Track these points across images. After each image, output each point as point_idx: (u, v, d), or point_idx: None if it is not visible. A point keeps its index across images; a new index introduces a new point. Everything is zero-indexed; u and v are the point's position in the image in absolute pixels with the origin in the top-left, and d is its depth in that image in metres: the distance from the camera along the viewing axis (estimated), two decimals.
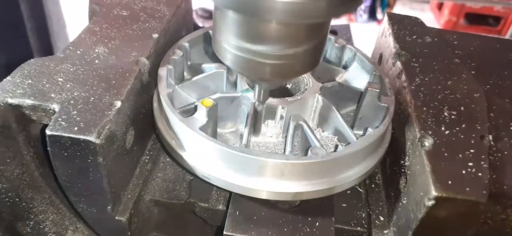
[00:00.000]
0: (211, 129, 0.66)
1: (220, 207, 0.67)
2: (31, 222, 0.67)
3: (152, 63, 0.70)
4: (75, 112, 0.56)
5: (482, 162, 0.56)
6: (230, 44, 0.51)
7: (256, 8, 0.42)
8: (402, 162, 0.64)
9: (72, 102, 0.57)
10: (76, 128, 0.53)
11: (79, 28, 0.75)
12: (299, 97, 0.69)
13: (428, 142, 0.58)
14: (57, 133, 0.53)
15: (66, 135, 0.52)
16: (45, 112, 0.58)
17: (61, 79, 0.61)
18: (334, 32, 1.08)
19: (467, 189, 0.52)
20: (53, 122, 0.54)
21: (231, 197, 0.65)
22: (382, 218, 0.67)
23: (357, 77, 0.81)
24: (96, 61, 0.66)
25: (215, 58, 0.82)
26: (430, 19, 3.97)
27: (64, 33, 1.73)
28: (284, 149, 0.67)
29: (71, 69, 0.64)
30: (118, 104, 0.58)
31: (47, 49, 1.63)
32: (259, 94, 0.62)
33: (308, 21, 0.47)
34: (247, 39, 0.49)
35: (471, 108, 0.65)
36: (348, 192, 0.70)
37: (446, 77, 0.72)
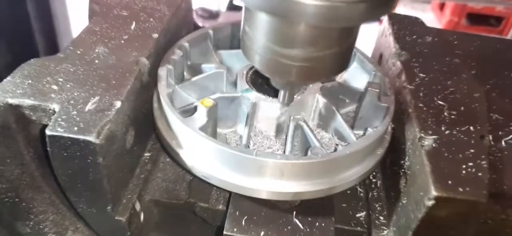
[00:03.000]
0: (211, 129, 0.66)
1: (220, 207, 0.66)
2: (31, 222, 0.67)
3: (152, 63, 0.70)
4: (75, 112, 0.56)
5: (482, 162, 0.56)
6: (259, 45, 0.51)
7: (288, 10, 0.42)
8: (402, 162, 0.64)
9: (72, 102, 0.57)
10: (76, 128, 0.53)
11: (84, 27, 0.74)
12: (299, 97, 0.69)
13: (428, 142, 0.58)
14: (57, 133, 0.52)
15: (66, 135, 0.52)
16: (45, 112, 0.58)
17: (61, 79, 0.61)
18: None
19: (467, 189, 0.52)
20: (53, 122, 0.54)
21: (231, 197, 0.65)
22: (382, 218, 0.67)
23: (357, 77, 0.81)
24: (96, 61, 0.66)
25: (215, 58, 0.83)
26: (432, 19, 3.95)
27: (70, 33, 1.73)
28: (284, 149, 0.67)
29: (71, 69, 0.63)
30: (118, 104, 0.58)
31: (54, 49, 1.63)
32: (284, 96, 0.62)
33: (340, 25, 0.47)
34: (277, 41, 0.49)
35: (471, 108, 0.65)
36: (348, 192, 0.70)
37: (446, 77, 0.72)
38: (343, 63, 0.55)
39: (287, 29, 0.48)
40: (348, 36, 0.52)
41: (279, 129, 0.71)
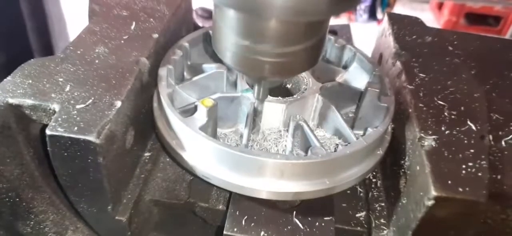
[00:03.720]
0: (211, 129, 0.66)
1: (220, 207, 0.66)
2: (31, 222, 0.67)
3: (152, 63, 0.70)
4: (75, 112, 0.56)
5: (482, 162, 0.55)
6: (229, 42, 0.51)
7: (255, 5, 0.42)
8: (402, 162, 0.64)
9: (72, 102, 0.57)
10: (76, 128, 0.53)
11: (79, 28, 0.75)
12: (299, 97, 0.69)
13: (428, 142, 0.58)
14: (57, 133, 0.52)
15: (66, 135, 0.52)
16: (45, 112, 0.58)
17: (61, 79, 0.61)
18: (334, 32, 1.08)
19: (467, 189, 0.52)
20: (53, 122, 0.54)
21: (231, 197, 0.65)
22: (382, 218, 0.67)
23: (357, 77, 0.81)
24: (96, 61, 0.66)
25: (215, 58, 0.83)
26: (430, 19, 3.96)
27: (65, 33, 1.72)
28: (284, 149, 0.67)
29: (71, 69, 0.63)
30: (118, 104, 0.58)
31: (48, 49, 1.62)
32: (258, 92, 0.62)
33: (307, 18, 0.47)
34: (246, 37, 0.49)
35: (471, 108, 0.65)
36: (348, 192, 0.70)
37: (446, 77, 0.71)
38: (315, 58, 0.55)
39: (256, 24, 0.48)
40: (318, 30, 0.51)
41: (279, 129, 0.71)
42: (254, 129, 0.69)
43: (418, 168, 0.57)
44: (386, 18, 0.90)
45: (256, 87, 0.62)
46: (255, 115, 0.67)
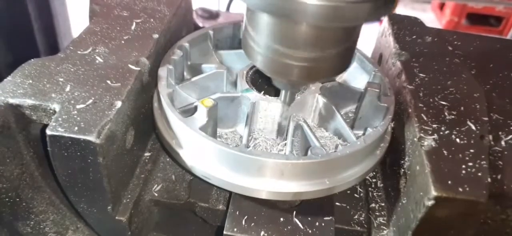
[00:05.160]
0: (211, 129, 0.66)
1: (220, 207, 0.66)
2: (32, 222, 0.67)
3: (152, 63, 0.70)
4: (75, 112, 0.56)
5: (482, 162, 0.56)
6: (261, 46, 0.51)
7: (291, 11, 0.42)
8: (402, 162, 0.64)
9: (72, 102, 0.57)
10: (76, 128, 0.53)
11: (83, 28, 0.75)
12: (299, 97, 0.69)
13: (427, 142, 0.58)
14: (57, 133, 0.53)
15: (66, 135, 0.52)
16: (45, 112, 0.58)
17: (61, 79, 0.61)
18: None
19: (467, 189, 0.52)
20: (54, 122, 0.54)
21: (231, 197, 0.65)
22: (381, 218, 0.67)
23: (357, 77, 0.81)
24: (97, 61, 0.66)
25: (215, 58, 0.83)
26: (432, 19, 3.95)
27: (70, 33, 1.73)
28: (284, 149, 0.67)
29: (72, 69, 0.64)
30: (118, 104, 0.58)
31: (54, 49, 1.63)
32: (285, 95, 0.62)
33: (343, 24, 0.47)
34: (279, 41, 0.49)
35: (471, 108, 0.65)
36: (348, 192, 0.70)
37: (446, 77, 0.71)
38: (344, 63, 0.55)
39: (290, 29, 0.48)
40: (350, 36, 0.52)
41: (279, 129, 0.71)
42: (278, 133, 0.69)
43: (418, 168, 0.57)
44: (386, 18, 0.90)
45: (283, 92, 0.62)
46: (280, 123, 0.68)
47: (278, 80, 0.61)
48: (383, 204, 0.69)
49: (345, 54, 0.53)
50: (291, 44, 0.49)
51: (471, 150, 0.57)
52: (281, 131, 0.71)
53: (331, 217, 0.63)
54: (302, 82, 0.59)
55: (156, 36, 0.73)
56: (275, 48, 0.50)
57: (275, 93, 0.69)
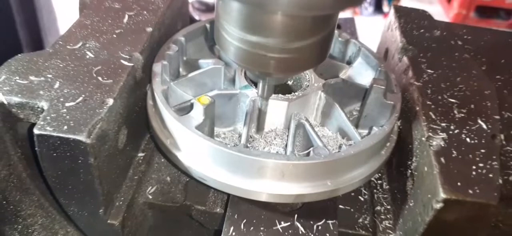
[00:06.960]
0: (208, 128, 0.65)
1: (218, 210, 0.66)
2: (19, 226, 0.66)
3: (146, 58, 0.69)
4: (65, 110, 0.55)
5: (493, 163, 0.55)
6: (233, 37, 0.51)
7: None
8: (409, 162, 0.63)
9: (61, 99, 0.56)
10: (65, 127, 0.52)
11: (70, 22, 0.74)
12: (300, 95, 0.68)
13: (436, 142, 0.58)
14: (45, 133, 0.51)
15: (55, 134, 0.52)
16: (33, 110, 0.57)
17: (50, 76, 0.61)
18: (337, 26, 1.07)
19: (477, 191, 0.52)
20: (42, 121, 0.53)
21: (229, 199, 0.64)
22: (387, 222, 0.66)
23: (361, 73, 0.80)
24: (87, 57, 0.65)
25: (212, 53, 0.81)
26: (439, 12, 3.93)
27: (55, 27, 1.73)
28: (285, 149, 0.66)
29: (61, 65, 0.63)
30: (110, 101, 0.57)
31: (37, 44, 1.63)
32: (262, 90, 0.62)
33: (314, 13, 0.46)
34: (251, 31, 0.49)
35: (481, 106, 0.64)
36: (352, 194, 0.69)
37: (456, 73, 0.71)
38: (322, 54, 0.55)
39: (262, 18, 0.47)
40: (326, 25, 0.51)
41: (280, 128, 0.70)
42: (258, 129, 0.68)
43: (426, 169, 0.56)
44: (392, 11, 0.89)
45: (260, 85, 0.61)
46: (258, 115, 0.67)
47: (254, 73, 0.60)
48: (389, 207, 0.68)
49: (322, 45, 0.53)
50: (265, 34, 0.48)
51: (482, 150, 0.57)
52: (280, 129, 0.70)
53: (334, 221, 0.62)
54: (279, 74, 0.59)
55: (149, 29, 0.72)
56: (248, 39, 0.50)
57: (276, 90, 0.67)
